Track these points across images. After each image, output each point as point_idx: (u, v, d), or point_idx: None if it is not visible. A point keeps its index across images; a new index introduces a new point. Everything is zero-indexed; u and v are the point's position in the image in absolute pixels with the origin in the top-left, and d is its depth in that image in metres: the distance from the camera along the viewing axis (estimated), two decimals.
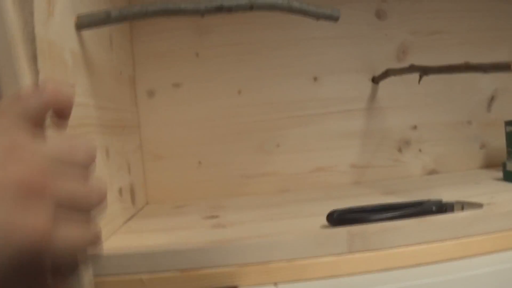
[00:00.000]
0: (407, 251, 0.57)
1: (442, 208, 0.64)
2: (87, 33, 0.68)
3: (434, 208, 0.64)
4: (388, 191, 0.88)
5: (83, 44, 0.66)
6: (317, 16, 0.68)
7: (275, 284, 0.54)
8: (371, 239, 0.57)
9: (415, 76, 0.89)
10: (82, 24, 0.64)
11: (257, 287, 0.54)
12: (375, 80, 1.02)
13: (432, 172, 1.05)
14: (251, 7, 0.63)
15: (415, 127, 1.04)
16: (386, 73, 0.98)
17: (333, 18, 0.69)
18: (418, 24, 1.05)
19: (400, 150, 1.04)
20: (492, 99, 1.07)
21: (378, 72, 1.01)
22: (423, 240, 0.58)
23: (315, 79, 1.02)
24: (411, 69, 0.89)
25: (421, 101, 1.05)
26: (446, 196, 0.71)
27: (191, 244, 0.58)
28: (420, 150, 1.05)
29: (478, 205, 0.65)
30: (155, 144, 1.01)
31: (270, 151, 1.02)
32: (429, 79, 0.91)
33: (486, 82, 1.06)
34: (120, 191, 0.80)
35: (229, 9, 0.63)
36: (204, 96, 1.01)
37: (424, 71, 0.86)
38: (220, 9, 0.62)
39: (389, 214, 0.61)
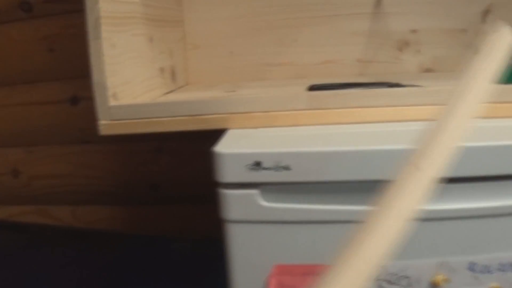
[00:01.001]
0: (353, 111, 0.79)
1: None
2: None
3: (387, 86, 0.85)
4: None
5: None
6: None
7: (255, 127, 0.78)
8: (326, 101, 0.79)
9: None
10: None
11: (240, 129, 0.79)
12: None
13: (428, 70, 1.24)
14: None
15: (415, 31, 1.22)
16: None
17: None
18: None
19: (400, 49, 1.23)
20: (487, 12, 1.22)
21: None
22: (367, 104, 0.79)
23: None
24: None
25: (421, 8, 1.22)
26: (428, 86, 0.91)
27: (200, 98, 0.82)
28: (418, 51, 1.23)
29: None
30: (196, 37, 1.25)
31: (288, 44, 1.24)
32: None
33: None
34: (162, 70, 1.05)
35: None
36: None
37: None
38: None
39: (351, 87, 0.82)
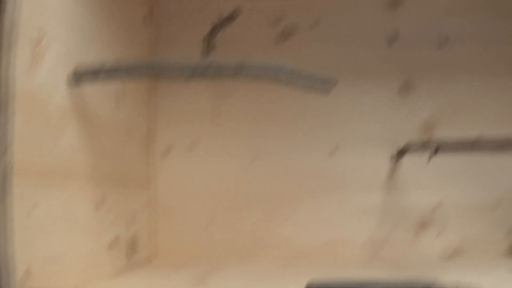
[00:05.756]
0: None
1: None
2: (88, 89, 0.71)
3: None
4: (399, 272, 0.82)
5: (77, 97, 0.68)
6: (308, 88, 0.65)
7: None
8: None
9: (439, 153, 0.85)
10: (79, 76, 0.66)
11: None
12: (396, 156, 0.99)
13: (452, 256, 0.99)
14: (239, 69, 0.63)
15: (436, 207, 1.00)
16: (405, 148, 0.94)
17: (326, 90, 0.65)
18: (445, 100, 1.02)
19: (419, 230, 0.99)
20: None
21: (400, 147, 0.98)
22: None
23: (333, 151, 1.01)
24: (428, 145, 0.86)
25: (445, 180, 1.00)
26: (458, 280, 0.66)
27: None
28: (440, 232, 0.99)
29: None
30: (167, 201, 1.02)
31: (282, 219, 1.00)
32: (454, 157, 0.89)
33: None
34: (113, 242, 0.80)
35: (217, 69, 0.63)
36: (219, 159, 1.02)
37: (438, 147, 0.83)
38: (208, 68, 0.63)
39: None
